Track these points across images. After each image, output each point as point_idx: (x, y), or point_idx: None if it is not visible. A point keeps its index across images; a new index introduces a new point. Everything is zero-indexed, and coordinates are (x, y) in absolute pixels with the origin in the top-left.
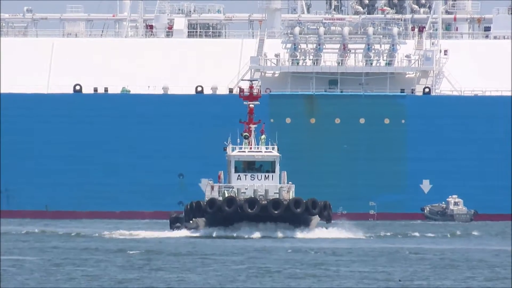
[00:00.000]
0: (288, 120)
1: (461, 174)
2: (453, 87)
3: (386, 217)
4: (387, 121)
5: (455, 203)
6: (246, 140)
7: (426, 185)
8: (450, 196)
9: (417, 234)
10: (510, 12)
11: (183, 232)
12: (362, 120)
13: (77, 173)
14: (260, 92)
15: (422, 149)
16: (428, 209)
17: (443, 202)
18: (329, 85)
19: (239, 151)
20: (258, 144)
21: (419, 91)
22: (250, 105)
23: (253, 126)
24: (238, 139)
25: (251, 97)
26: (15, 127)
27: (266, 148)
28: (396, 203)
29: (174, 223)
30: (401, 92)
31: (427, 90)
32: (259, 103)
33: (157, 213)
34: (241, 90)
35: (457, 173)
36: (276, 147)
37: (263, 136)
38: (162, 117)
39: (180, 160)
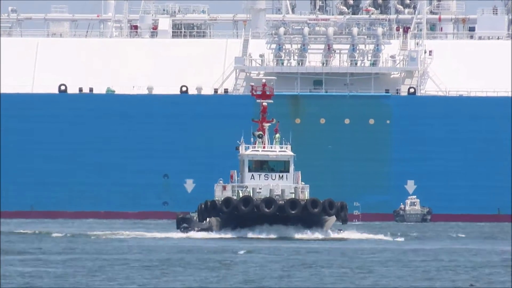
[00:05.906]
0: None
1: (445, 175)
2: (438, 87)
3: (370, 217)
4: (372, 121)
5: (412, 203)
6: (260, 139)
7: (410, 186)
8: (409, 197)
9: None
10: (510, 13)
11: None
12: (347, 121)
13: (62, 173)
14: (273, 90)
15: (407, 150)
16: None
17: (402, 203)
18: (314, 86)
19: (252, 150)
20: (272, 143)
21: (404, 92)
22: (263, 104)
23: (266, 125)
24: (252, 138)
25: (264, 95)
26: None
27: (280, 148)
28: (381, 203)
29: (181, 223)
30: (386, 93)
31: (412, 90)
32: (272, 101)
33: (141, 213)
34: (253, 88)
35: (441, 174)
36: (289, 146)
37: (277, 135)
38: (146, 117)
39: (164, 160)
